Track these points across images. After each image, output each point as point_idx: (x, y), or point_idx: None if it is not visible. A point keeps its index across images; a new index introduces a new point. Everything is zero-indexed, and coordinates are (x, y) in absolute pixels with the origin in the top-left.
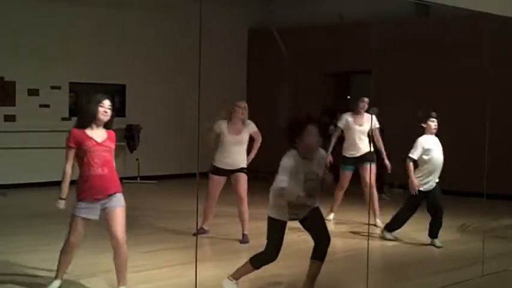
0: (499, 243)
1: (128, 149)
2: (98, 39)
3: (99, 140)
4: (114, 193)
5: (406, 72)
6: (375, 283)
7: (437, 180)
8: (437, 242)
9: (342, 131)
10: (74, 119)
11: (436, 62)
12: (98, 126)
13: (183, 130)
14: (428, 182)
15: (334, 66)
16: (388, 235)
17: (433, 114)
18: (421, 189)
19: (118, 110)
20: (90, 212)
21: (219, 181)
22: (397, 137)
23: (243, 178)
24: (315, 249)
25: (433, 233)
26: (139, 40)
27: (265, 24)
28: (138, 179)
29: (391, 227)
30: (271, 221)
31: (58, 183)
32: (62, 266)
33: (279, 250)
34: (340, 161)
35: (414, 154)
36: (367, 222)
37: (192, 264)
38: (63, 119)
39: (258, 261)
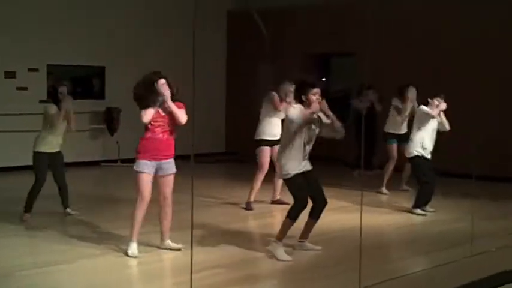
0: (488, 223)
1: (108, 131)
2: (76, 20)
3: None
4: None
5: (393, 55)
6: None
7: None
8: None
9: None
10: None
11: (424, 43)
12: None
13: None
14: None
15: (314, 48)
16: (417, 211)
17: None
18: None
19: (97, 93)
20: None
21: None
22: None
23: None
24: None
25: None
26: (118, 21)
27: (245, 6)
28: (118, 161)
29: (418, 203)
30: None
31: None
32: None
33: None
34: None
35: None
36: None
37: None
38: (41, 101)
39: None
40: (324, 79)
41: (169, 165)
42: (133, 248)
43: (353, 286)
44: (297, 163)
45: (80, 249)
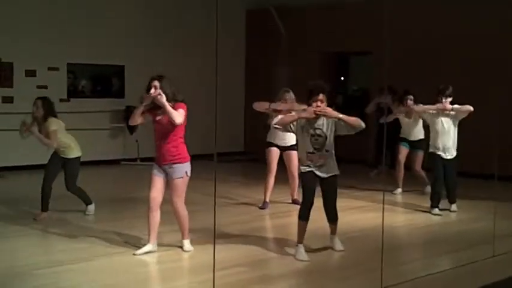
0: (510, 223)
1: (128, 130)
2: (96, 20)
3: None
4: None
5: (410, 54)
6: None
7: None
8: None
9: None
10: (73, 100)
11: (439, 42)
12: None
13: None
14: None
15: (332, 46)
16: (434, 211)
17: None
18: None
19: (116, 91)
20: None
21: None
22: None
23: None
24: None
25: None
26: (138, 20)
27: (263, 5)
28: (138, 160)
29: (432, 202)
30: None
31: None
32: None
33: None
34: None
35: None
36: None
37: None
38: (61, 100)
39: (300, 212)
40: (342, 78)
41: (173, 170)
42: (143, 249)
43: (374, 287)
44: (304, 160)
45: (97, 248)
